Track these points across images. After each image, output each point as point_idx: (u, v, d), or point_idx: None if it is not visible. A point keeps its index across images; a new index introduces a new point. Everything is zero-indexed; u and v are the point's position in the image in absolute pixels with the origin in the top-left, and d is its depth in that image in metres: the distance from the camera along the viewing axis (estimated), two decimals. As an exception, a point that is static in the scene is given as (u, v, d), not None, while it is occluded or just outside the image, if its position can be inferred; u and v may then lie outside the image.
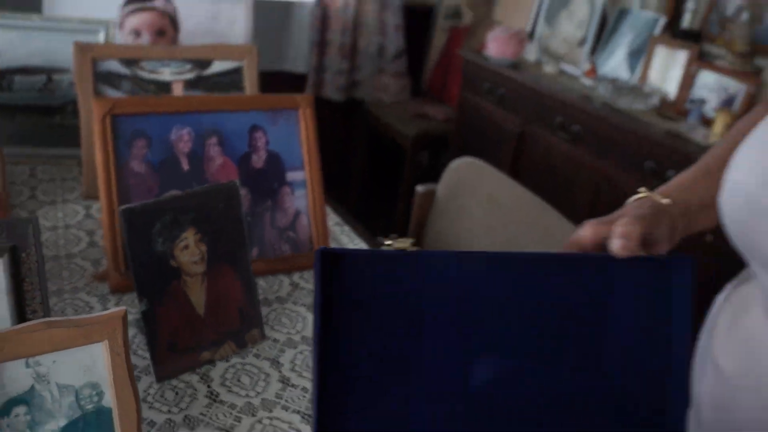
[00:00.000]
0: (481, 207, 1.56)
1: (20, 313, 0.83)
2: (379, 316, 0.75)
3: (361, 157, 4.15)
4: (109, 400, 0.77)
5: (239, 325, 1.06)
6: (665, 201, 0.87)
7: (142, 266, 0.95)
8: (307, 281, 1.29)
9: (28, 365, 0.72)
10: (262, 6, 3.66)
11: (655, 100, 2.66)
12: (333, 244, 1.41)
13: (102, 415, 0.77)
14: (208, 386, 1.00)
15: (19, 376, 0.72)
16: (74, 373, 0.75)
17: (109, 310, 0.76)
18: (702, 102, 2.56)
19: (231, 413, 0.96)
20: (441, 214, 1.67)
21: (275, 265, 1.29)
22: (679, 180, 0.93)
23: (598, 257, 0.80)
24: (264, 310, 1.17)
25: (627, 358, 0.80)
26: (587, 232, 0.83)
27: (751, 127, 0.86)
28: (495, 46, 3.16)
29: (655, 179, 2.27)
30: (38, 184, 1.56)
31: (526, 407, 0.78)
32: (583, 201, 2.61)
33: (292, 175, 1.34)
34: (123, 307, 0.76)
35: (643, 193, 0.89)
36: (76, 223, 1.40)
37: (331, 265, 0.73)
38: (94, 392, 0.76)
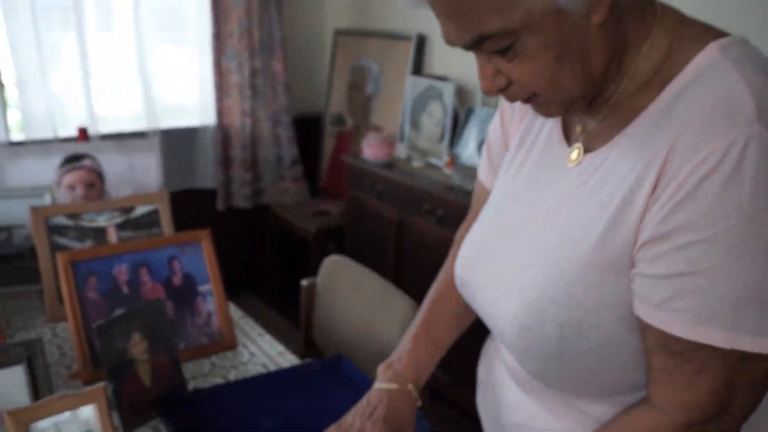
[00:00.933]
0: (348, 292, 2.12)
1: (35, 398, 1.35)
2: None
3: (272, 255, 4.68)
4: (100, 440, 1.29)
5: (172, 389, 1.59)
6: (408, 387, 1.26)
7: (108, 360, 1.47)
8: (221, 360, 1.82)
9: (50, 423, 1.24)
10: (171, 134, 4.20)
11: (500, 182, 3.27)
12: (237, 332, 1.94)
13: (95, 450, 1.29)
14: (158, 434, 1.52)
15: (45, 428, 1.24)
16: (78, 424, 1.27)
17: (95, 385, 1.29)
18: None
19: (175, 448, 1.47)
20: (321, 300, 2.22)
21: (197, 352, 1.82)
22: (409, 352, 1.31)
23: None
24: (192, 383, 1.70)
25: None
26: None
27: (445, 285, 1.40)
28: (370, 151, 3.77)
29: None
30: (10, 315, 2.05)
31: None
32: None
33: (202, 288, 1.88)
34: (103, 383, 1.29)
35: (385, 384, 1.26)
36: (47, 341, 1.90)
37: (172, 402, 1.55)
38: (90, 436, 1.28)
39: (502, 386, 1.28)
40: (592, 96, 1.03)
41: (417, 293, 1.78)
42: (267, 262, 4.72)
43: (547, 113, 1.05)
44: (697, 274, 0.90)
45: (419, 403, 1.27)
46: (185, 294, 1.85)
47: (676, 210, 0.90)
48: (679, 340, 0.93)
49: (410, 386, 1.26)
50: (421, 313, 1.38)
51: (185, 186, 4.33)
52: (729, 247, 0.88)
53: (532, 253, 1.09)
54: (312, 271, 4.15)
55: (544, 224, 1.10)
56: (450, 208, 3.23)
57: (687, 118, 0.91)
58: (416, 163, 3.76)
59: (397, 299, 1.95)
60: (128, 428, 1.50)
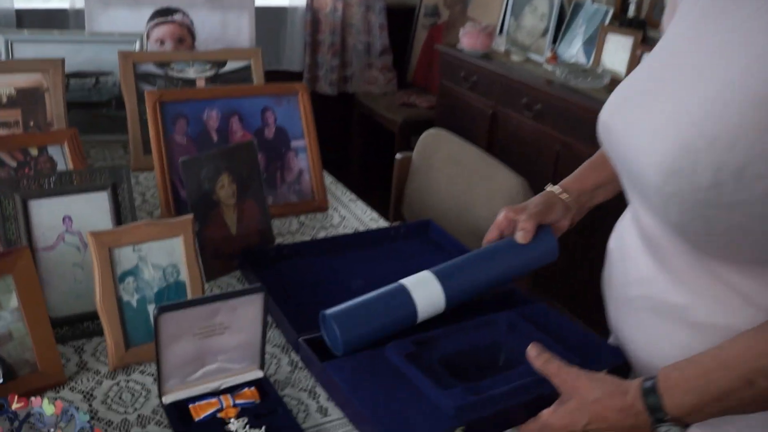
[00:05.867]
0: (445, 165, 1.98)
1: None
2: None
3: (357, 144, 4.58)
4: (184, 276, 1.19)
5: (259, 241, 1.48)
6: (561, 193, 1.31)
7: (195, 200, 1.36)
8: (310, 220, 1.71)
9: (134, 250, 1.14)
10: (260, 12, 4.04)
11: (606, 80, 3.07)
12: (329, 195, 1.82)
13: (179, 286, 1.19)
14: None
15: (129, 256, 1.14)
16: (162, 256, 1.17)
17: (182, 216, 1.18)
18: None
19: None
20: (415, 174, 2.09)
21: (285, 209, 1.71)
22: (575, 174, 1.36)
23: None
24: (279, 239, 1.60)
25: None
26: (501, 217, 1.29)
27: None
28: (467, 40, 3.58)
29: (605, 146, 2.68)
30: (94, 163, 1.97)
31: None
32: (547, 165, 3.02)
33: (295, 143, 1.76)
34: (191, 215, 1.19)
35: (548, 188, 1.33)
36: (130, 189, 1.82)
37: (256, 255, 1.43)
38: (174, 270, 1.18)
39: (634, 257, 1.15)
40: None
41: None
42: (349, 151, 4.61)
43: None
44: None
45: (572, 210, 1.32)
46: (277, 148, 1.73)
47: None
48: None
49: (565, 195, 1.32)
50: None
51: (271, 67, 4.20)
52: None
53: (695, 88, 0.96)
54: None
55: (711, 56, 0.96)
56: (551, 103, 3.05)
57: None
58: (515, 57, 3.56)
59: (501, 174, 1.81)
60: (209, 276, 1.40)
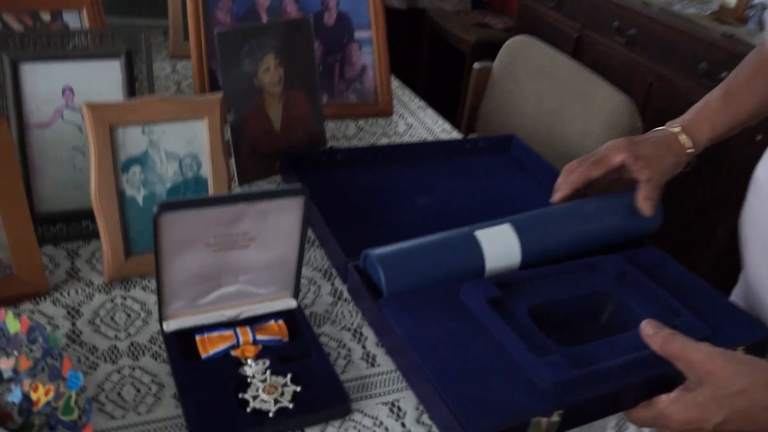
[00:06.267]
0: (532, 78, 1.69)
1: (132, 108, 1.00)
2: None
3: (424, 63, 4.28)
4: (206, 171, 0.93)
5: (307, 143, 1.22)
6: (689, 150, 1.03)
7: (231, 83, 1.10)
8: (370, 126, 1.44)
9: (143, 132, 0.89)
10: None
11: (715, 6, 2.70)
12: (394, 100, 1.55)
13: (199, 183, 0.94)
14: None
15: (136, 139, 0.88)
16: (179, 143, 0.91)
17: (209, 94, 0.92)
18: (764, 7, 2.60)
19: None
20: (495, 87, 1.79)
21: (342, 110, 1.44)
22: (701, 111, 1.06)
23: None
24: (332, 143, 1.33)
25: None
26: (618, 160, 1.00)
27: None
28: (556, -47, 3.23)
29: (708, 79, 2.35)
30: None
31: None
32: (636, 98, 2.68)
33: (359, 34, 1.48)
34: (220, 93, 0.92)
35: (676, 131, 1.04)
36: (165, 76, 1.57)
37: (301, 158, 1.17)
38: (194, 162, 0.92)
39: None
40: None
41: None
42: (415, 71, 4.31)
43: None
44: None
45: (689, 151, 1.03)
46: (338, 37, 1.45)
47: None
48: None
49: (677, 129, 1.04)
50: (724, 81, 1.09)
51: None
52: None
53: None
54: (464, 85, 3.74)
55: None
56: (647, 28, 2.69)
57: None
58: (608, -24, 3.19)
59: (602, 91, 1.51)
60: (243, 178, 1.15)
